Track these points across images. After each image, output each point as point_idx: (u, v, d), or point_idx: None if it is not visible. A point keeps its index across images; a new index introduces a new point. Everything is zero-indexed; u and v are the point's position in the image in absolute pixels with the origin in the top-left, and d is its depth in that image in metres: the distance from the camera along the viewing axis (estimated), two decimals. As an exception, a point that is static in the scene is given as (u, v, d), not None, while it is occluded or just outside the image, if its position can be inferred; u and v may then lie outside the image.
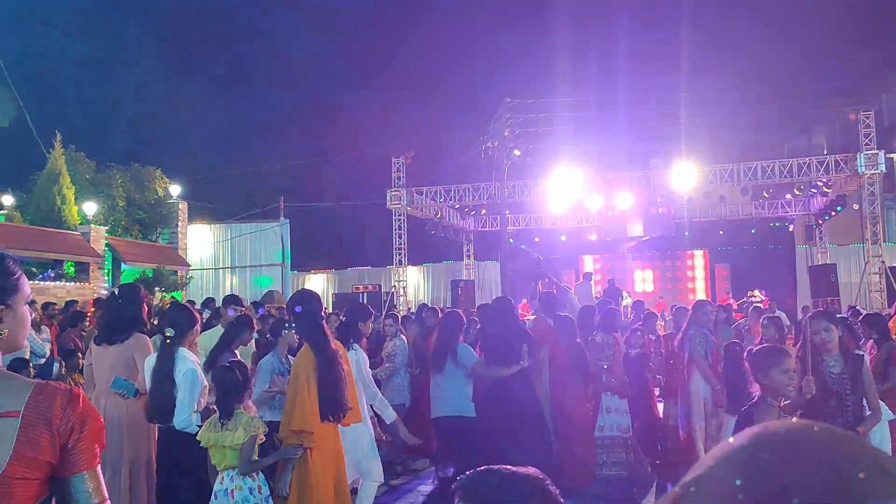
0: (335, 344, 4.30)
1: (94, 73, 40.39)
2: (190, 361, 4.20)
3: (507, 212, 21.93)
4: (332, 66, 50.17)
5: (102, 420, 1.66)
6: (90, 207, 19.96)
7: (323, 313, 4.49)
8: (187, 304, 5.34)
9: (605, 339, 7.00)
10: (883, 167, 18.99)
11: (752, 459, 0.62)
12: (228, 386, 4.02)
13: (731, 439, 0.66)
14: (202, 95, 40.62)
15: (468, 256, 26.43)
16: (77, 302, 12.25)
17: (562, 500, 1.06)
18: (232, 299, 6.17)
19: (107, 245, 19.39)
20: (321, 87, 47.86)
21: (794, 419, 0.69)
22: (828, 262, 22.46)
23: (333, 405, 4.08)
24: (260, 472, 4.04)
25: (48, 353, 8.21)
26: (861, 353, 4.51)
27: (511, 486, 1.03)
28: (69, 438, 1.55)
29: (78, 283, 17.79)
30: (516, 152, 20.33)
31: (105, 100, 39.13)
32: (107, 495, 1.63)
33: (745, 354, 3.61)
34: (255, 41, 50.35)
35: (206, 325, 6.78)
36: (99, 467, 1.62)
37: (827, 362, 4.20)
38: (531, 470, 1.08)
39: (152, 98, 39.84)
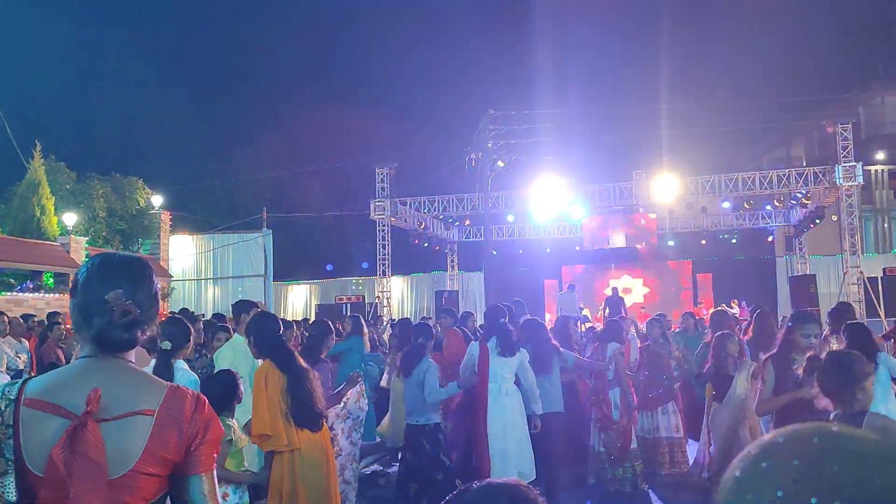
0: (300, 359, 4.44)
1: (74, 82, 40.14)
2: (191, 373, 4.26)
3: (490, 223, 22.00)
4: (315, 77, 50.18)
5: (222, 428, 1.76)
6: (70, 218, 19.77)
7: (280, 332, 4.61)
8: (182, 317, 5.35)
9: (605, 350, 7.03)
10: (861, 179, 19.28)
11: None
12: (210, 396, 4.05)
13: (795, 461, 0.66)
14: (184, 105, 40.46)
15: (452, 267, 26.44)
16: (59, 313, 12.11)
17: None
18: (220, 317, 6.15)
19: (87, 256, 19.20)
20: (304, 97, 47.84)
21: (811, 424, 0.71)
22: (807, 272, 22.71)
23: (310, 415, 4.24)
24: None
25: (22, 366, 8.09)
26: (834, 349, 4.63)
27: (489, 497, 1.03)
28: (194, 441, 1.62)
29: (57, 295, 17.59)
30: (500, 163, 20.39)
31: (86, 110, 38.87)
32: (217, 500, 1.68)
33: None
34: (237, 52, 50.25)
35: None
36: (215, 472, 1.69)
37: (799, 361, 4.31)
38: (513, 480, 1.08)
39: (134, 108, 39.61)
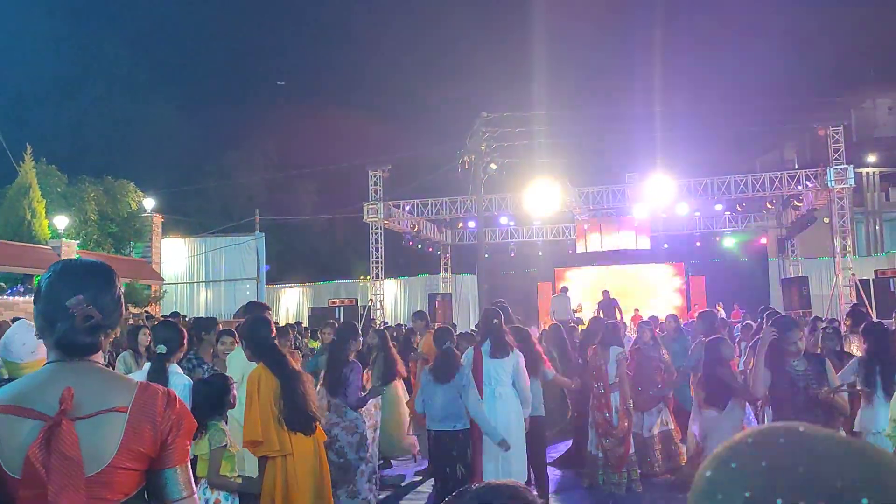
0: (293, 362, 4.47)
1: (65, 84, 39.96)
2: (185, 377, 4.29)
3: (484, 225, 21.99)
4: (308, 79, 50.11)
5: (195, 421, 1.82)
6: (61, 221, 19.68)
7: (273, 333, 4.59)
8: (176, 321, 5.37)
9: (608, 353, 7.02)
10: (852, 182, 19.36)
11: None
12: (201, 400, 4.05)
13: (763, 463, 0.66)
14: (176, 108, 40.36)
15: (445, 270, 26.42)
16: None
17: None
18: (255, 306, 5.93)
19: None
20: (297, 99, 47.76)
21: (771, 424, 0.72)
22: (800, 274, 22.77)
23: (303, 418, 4.22)
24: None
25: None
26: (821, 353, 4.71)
27: (488, 497, 1.03)
28: (168, 435, 1.67)
29: (48, 298, 17.49)
30: (493, 166, 20.38)
31: (77, 112, 38.70)
32: (195, 489, 1.75)
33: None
34: (229, 54, 50.17)
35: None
36: (189, 464, 1.74)
37: (790, 361, 4.40)
38: (511, 480, 1.09)
39: (125, 110, 39.47)
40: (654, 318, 10.99)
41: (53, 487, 1.48)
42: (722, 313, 17.44)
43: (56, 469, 1.49)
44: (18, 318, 3.85)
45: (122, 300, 1.81)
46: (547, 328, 10.42)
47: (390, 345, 7.48)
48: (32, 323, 3.28)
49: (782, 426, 0.69)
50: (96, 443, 1.58)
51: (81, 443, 1.54)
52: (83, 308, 1.66)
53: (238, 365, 5.12)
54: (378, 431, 6.86)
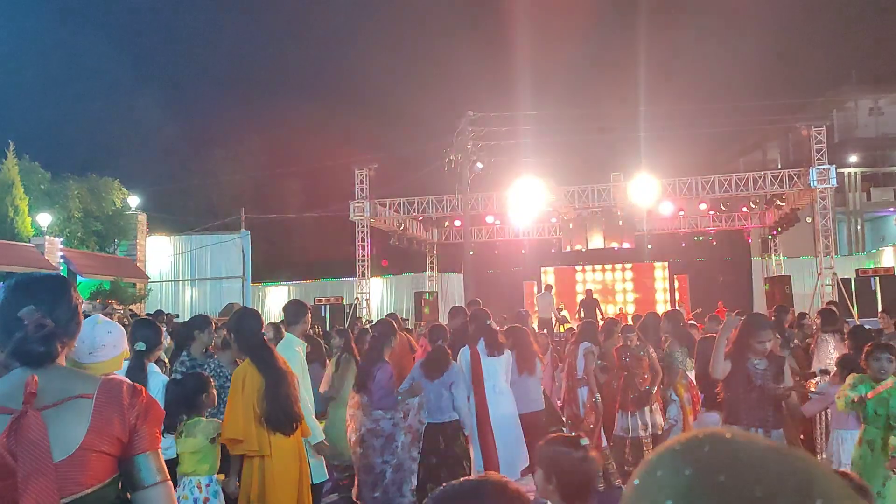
0: (281, 359, 4.36)
1: (49, 81, 39.59)
2: (162, 375, 4.27)
3: (469, 224, 22.03)
4: (295, 78, 49.94)
5: (163, 409, 1.88)
6: (45, 219, 19.50)
7: (263, 329, 4.52)
8: (153, 319, 5.31)
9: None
10: (834, 182, 19.55)
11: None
12: (171, 399, 4.06)
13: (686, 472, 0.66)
14: (162, 105, 40.09)
15: (431, 268, 26.41)
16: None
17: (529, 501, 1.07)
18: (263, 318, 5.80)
19: (62, 257, 18.94)
20: (284, 98, 47.60)
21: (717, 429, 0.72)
22: (782, 273, 22.97)
23: (284, 418, 4.16)
24: (211, 486, 4.04)
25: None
26: (783, 355, 4.84)
27: (473, 493, 1.05)
28: (136, 421, 1.74)
29: (31, 296, 17.31)
30: (479, 165, 20.44)
31: (61, 109, 38.36)
32: (168, 475, 1.80)
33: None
34: (216, 52, 49.92)
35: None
36: (160, 450, 1.81)
37: (752, 360, 4.46)
38: (495, 475, 1.10)
39: (110, 107, 39.16)
40: (640, 318, 11.01)
41: (22, 474, 1.52)
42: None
43: (24, 456, 1.54)
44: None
45: (80, 309, 1.87)
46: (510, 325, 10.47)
47: (353, 346, 7.11)
48: (102, 318, 3.27)
49: (710, 433, 0.68)
50: (65, 427, 1.64)
51: (50, 429, 1.60)
52: (35, 317, 1.72)
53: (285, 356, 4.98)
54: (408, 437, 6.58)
